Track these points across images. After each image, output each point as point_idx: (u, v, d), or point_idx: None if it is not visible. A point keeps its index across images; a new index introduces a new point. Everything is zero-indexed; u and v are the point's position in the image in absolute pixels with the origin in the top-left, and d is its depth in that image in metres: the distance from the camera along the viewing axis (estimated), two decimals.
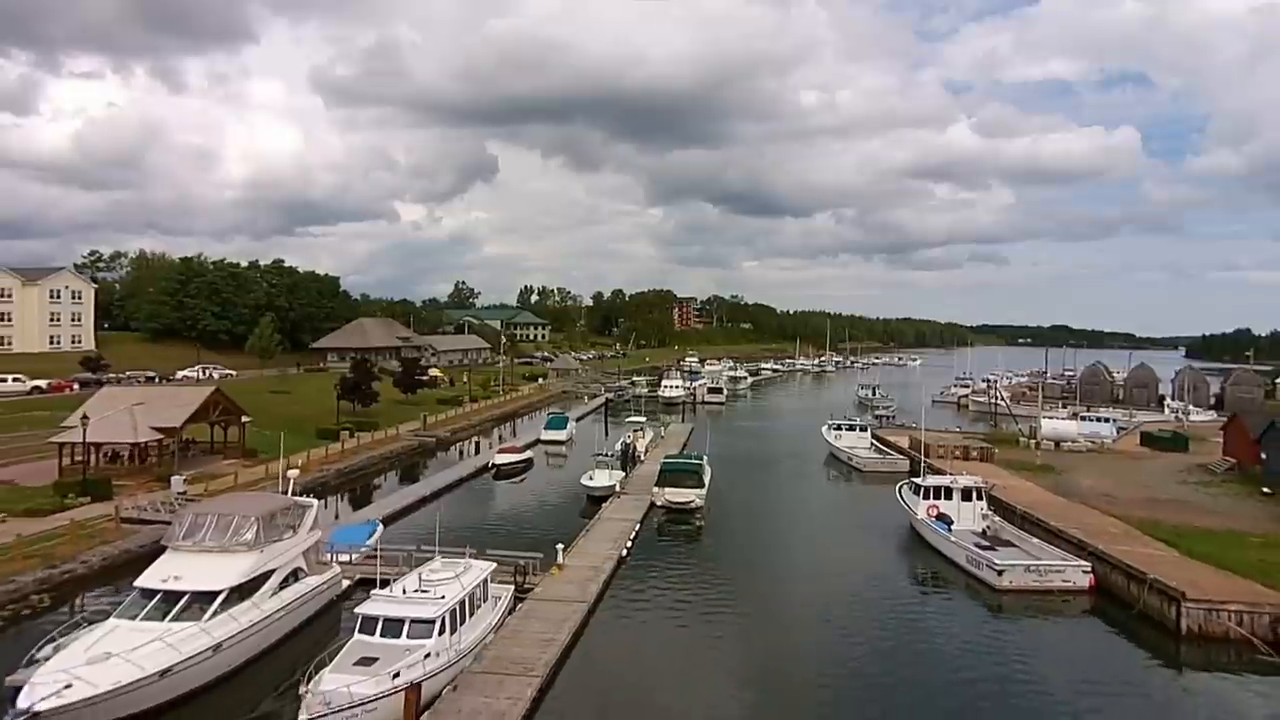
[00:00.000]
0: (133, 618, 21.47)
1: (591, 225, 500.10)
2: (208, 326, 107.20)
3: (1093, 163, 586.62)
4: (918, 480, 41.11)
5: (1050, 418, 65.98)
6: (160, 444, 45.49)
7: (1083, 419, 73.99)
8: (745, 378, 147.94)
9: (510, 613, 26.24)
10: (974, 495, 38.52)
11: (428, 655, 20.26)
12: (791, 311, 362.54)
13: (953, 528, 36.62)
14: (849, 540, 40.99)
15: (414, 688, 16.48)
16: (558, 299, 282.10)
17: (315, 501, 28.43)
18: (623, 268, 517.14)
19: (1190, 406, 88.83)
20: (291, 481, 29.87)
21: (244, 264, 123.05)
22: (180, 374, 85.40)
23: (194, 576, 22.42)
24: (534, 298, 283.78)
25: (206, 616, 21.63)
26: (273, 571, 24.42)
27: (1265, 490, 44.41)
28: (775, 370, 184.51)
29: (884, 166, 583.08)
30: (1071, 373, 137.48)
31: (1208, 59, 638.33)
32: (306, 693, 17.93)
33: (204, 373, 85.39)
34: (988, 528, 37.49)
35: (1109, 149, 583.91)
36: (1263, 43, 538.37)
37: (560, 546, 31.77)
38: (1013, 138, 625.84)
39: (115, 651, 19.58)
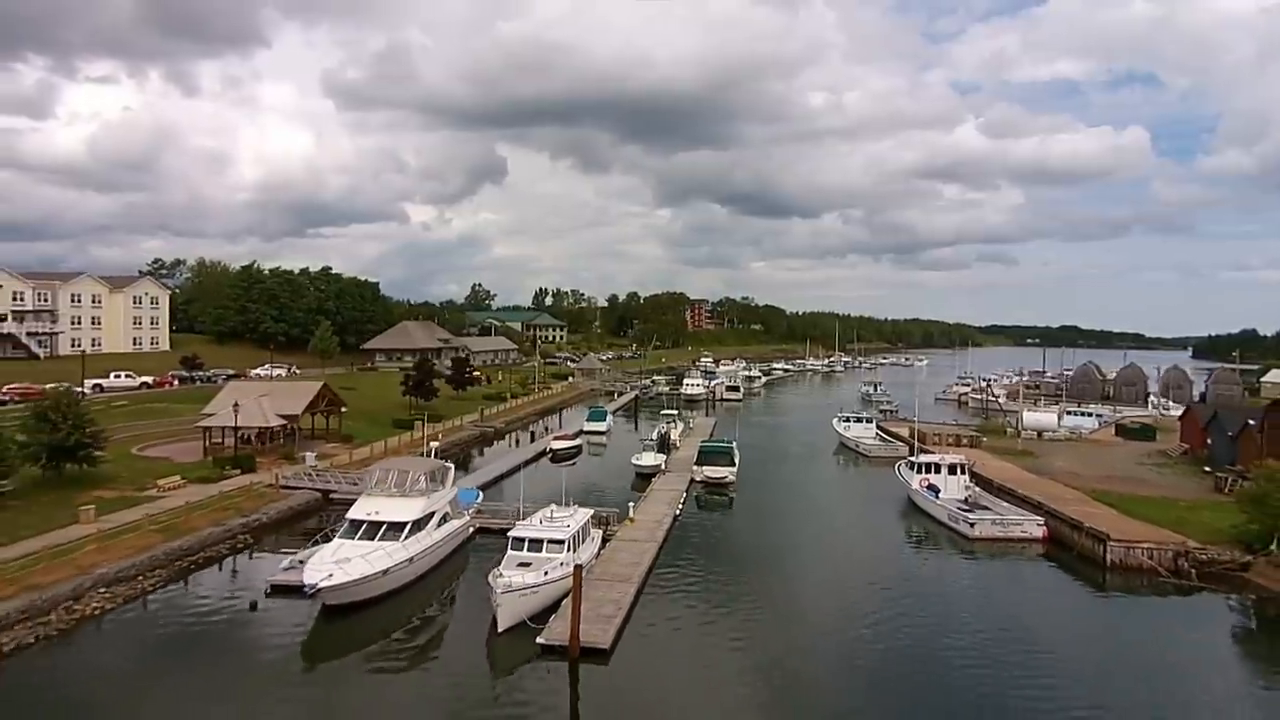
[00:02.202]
0: (351, 538, 30.62)
1: (600, 226, 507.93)
2: (267, 329, 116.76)
3: (1102, 163, 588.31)
4: (913, 459, 49.89)
5: (1033, 411, 74.57)
6: (282, 429, 54.60)
7: (1069, 414, 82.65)
8: (759, 377, 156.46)
9: (601, 547, 35.23)
10: (958, 470, 47.21)
11: (561, 563, 29.18)
12: (801, 313, 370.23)
13: (940, 495, 45.33)
14: (857, 506, 50.04)
15: (579, 567, 25.47)
16: (572, 300, 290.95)
17: (452, 464, 37.57)
18: (631, 268, 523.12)
19: (1170, 403, 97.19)
20: (434, 449, 39.03)
21: (296, 270, 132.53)
22: (253, 372, 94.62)
23: (388, 511, 31.60)
24: (548, 299, 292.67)
25: (402, 538, 30.77)
26: (434, 512, 33.60)
27: (1206, 469, 52.88)
28: (786, 370, 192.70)
29: (891, 167, 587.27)
30: (1069, 372, 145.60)
31: (1217, 59, 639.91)
32: (498, 577, 26.87)
33: (289, 370, 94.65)
34: (969, 496, 46.11)
35: (1118, 149, 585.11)
36: (1272, 42, 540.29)
37: (631, 504, 40.93)
38: (1021, 138, 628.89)
39: (351, 557, 28.74)
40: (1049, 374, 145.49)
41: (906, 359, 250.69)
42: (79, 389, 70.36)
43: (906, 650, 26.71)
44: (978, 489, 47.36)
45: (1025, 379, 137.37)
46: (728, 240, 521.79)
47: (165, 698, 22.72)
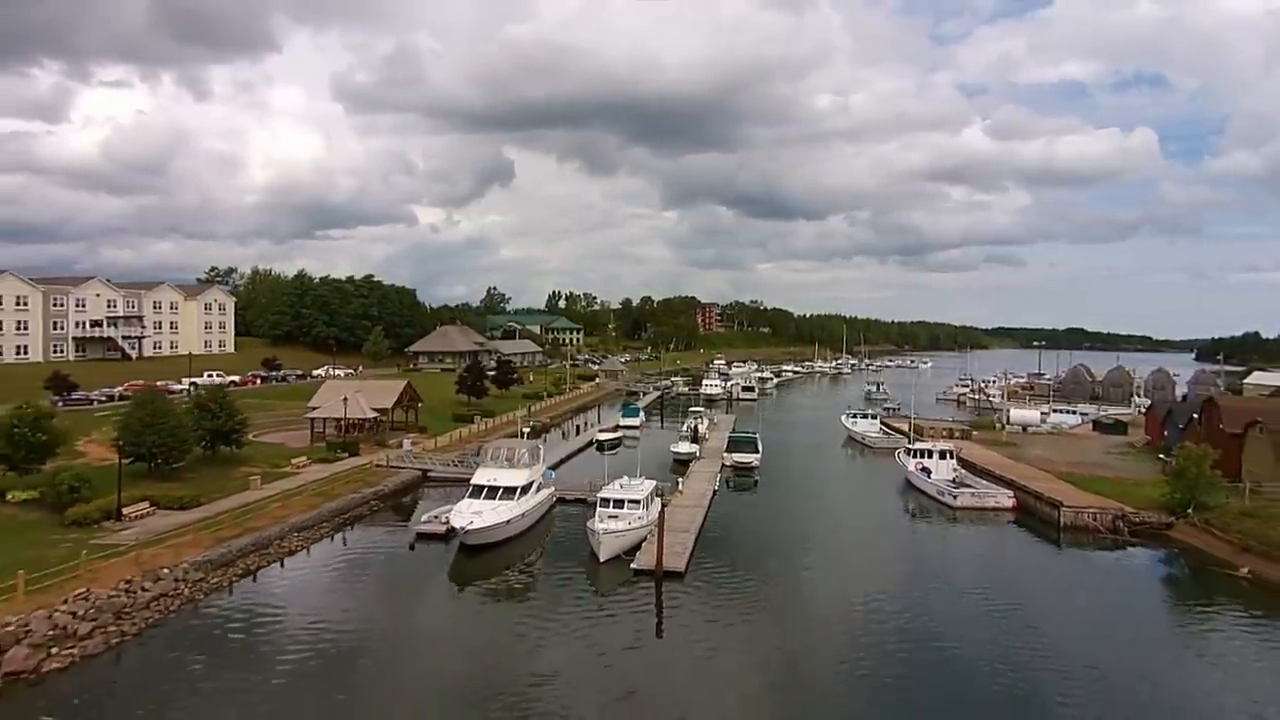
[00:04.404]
0: (476, 498, 40.26)
1: (607, 228, 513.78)
2: (319, 333, 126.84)
3: (1109, 164, 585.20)
4: (910, 446, 59.34)
5: (1019, 409, 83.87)
6: (373, 420, 64.29)
7: (1056, 411, 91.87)
8: (771, 378, 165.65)
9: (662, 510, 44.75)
10: (948, 455, 56.60)
11: (639, 517, 38.74)
12: (808, 315, 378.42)
13: (932, 476, 54.69)
14: (863, 486, 59.72)
15: (663, 510, 35.03)
16: (585, 304, 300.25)
17: (542, 445, 47.26)
18: (638, 270, 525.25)
19: (1150, 401, 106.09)
20: (527, 431, 48.72)
21: (344, 279, 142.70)
22: (315, 372, 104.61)
23: (503, 479, 41.33)
24: (561, 302, 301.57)
25: (515, 498, 40.39)
26: (534, 481, 43.26)
27: (1161, 456, 61.99)
28: (796, 372, 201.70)
29: (898, 169, 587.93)
30: (1065, 374, 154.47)
31: (1225, 60, 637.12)
32: (598, 523, 36.47)
33: (350, 371, 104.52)
34: (956, 476, 55.44)
35: (1125, 150, 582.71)
36: None
37: (679, 480, 50.51)
38: (1028, 140, 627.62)
39: (482, 510, 38.40)
40: (1047, 376, 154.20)
41: (911, 361, 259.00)
42: (176, 386, 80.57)
43: (898, 589, 35.91)
44: (964, 471, 56.72)
45: (1023, 380, 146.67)
46: (734, 242, 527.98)
47: (364, 602, 32.20)
